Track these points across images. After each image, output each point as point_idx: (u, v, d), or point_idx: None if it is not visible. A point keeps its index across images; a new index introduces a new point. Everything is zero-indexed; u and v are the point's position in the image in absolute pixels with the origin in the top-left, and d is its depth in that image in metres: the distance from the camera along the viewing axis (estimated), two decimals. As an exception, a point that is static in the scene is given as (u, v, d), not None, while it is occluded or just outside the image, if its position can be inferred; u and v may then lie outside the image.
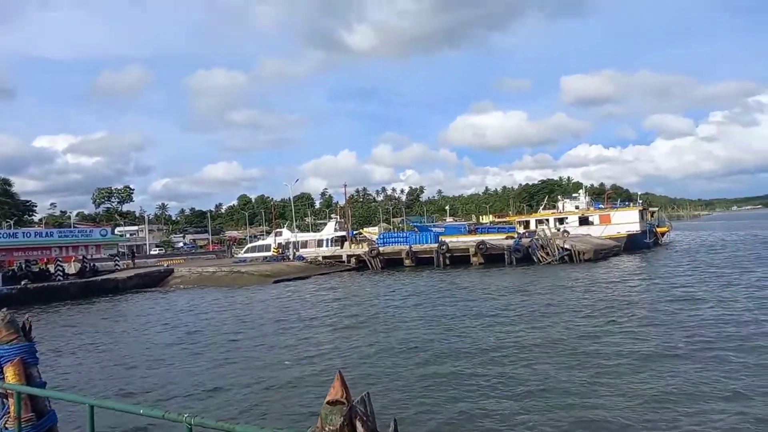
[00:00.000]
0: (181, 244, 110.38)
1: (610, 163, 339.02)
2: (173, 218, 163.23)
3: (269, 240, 56.87)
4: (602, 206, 58.24)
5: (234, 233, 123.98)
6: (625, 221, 50.02)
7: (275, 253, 49.71)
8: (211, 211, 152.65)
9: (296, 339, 16.70)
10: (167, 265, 46.64)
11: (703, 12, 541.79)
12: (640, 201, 67.78)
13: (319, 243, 52.94)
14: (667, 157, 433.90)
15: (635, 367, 11.24)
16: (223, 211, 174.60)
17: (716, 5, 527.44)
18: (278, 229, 60.72)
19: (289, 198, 70.32)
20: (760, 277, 24.24)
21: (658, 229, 55.54)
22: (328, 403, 4.39)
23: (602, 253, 40.74)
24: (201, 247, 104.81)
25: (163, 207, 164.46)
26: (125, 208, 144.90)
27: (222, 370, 13.24)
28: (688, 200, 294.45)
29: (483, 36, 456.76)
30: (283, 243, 52.72)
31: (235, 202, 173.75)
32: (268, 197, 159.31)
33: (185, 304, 28.32)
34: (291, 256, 48.33)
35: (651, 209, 63.74)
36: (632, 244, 47.33)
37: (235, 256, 60.35)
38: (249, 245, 60.85)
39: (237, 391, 11.25)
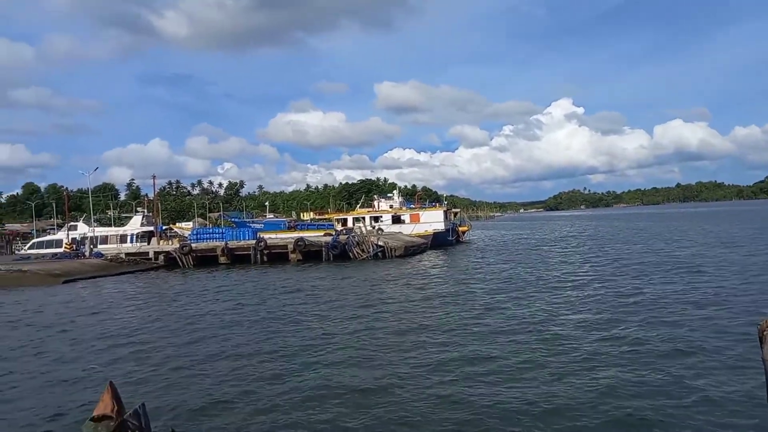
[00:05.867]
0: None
1: (421, 167, 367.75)
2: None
3: (60, 234, 50.27)
4: (413, 206, 62.63)
5: (16, 227, 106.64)
6: (432, 220, 54.40)
7: (67, 250, 44.06)
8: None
9: (72, 347, 14.74)
10: None
11: (491, 39, 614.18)
12: (445, 202, 74.23)
13: (123, 238, 48.37)
14: (469, 163, 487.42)
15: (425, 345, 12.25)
16: (3, 200, 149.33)
17: (502, 33, 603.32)
18: (72, 223, 53.88)
19: (87, 188, 62.83)
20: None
21: (460, 228, 61.46)
22: (92, 419, 3.91)
23: (411, 250, 43.73)
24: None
25: None
26: None
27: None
28: (485, 202, 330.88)
29: (301, 38, 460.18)
30: (78, 238, 47.00)
31: (19, 191, 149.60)
32: (62, 187, 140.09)
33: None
34: (87, 253, 43.25)
35: (454, 210, 70.20)
36: (438, 242, 51.60)
37: (17, 253, 52.20)
38: (34, 240, 53.03)
39: None
